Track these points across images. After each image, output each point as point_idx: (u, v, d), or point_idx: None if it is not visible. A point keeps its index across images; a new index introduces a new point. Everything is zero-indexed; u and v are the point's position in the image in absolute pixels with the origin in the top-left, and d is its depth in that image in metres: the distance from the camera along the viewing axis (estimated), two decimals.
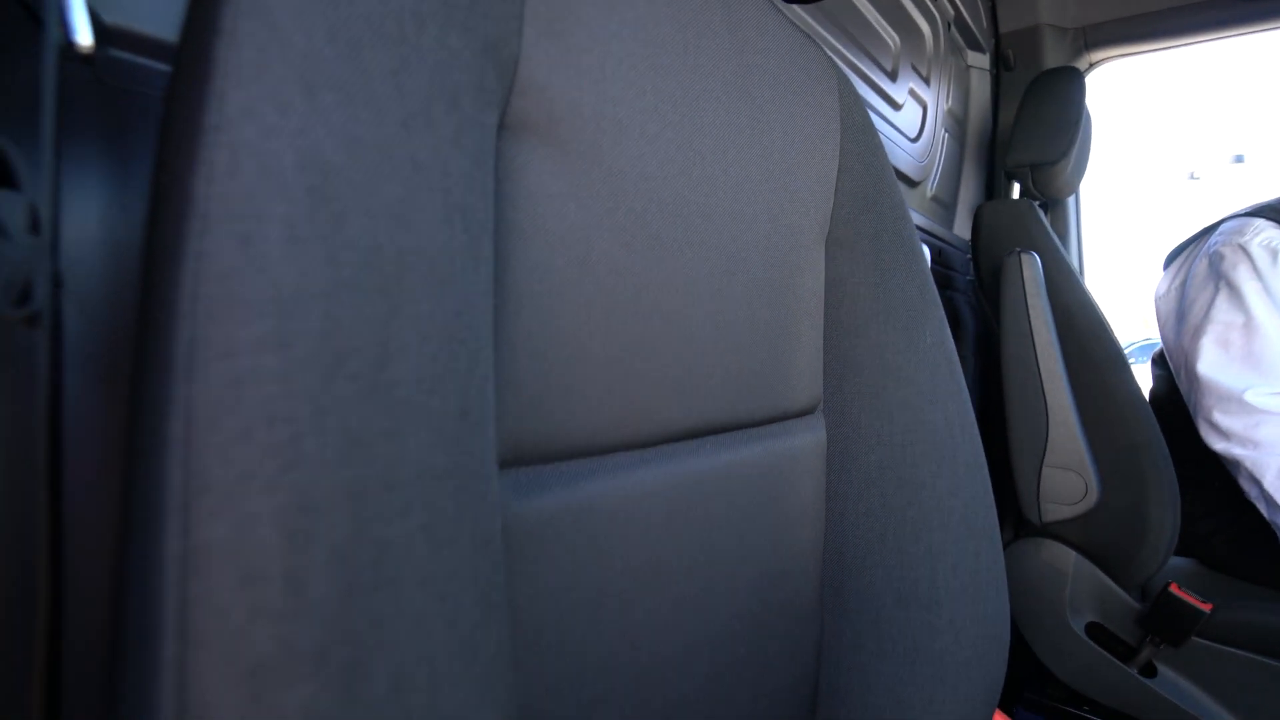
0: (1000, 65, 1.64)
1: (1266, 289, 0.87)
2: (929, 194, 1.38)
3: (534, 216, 0.26)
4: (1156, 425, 0.91)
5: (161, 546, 0.16)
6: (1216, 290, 0.90)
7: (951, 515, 0.45)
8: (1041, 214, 1.11)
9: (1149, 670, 0.91)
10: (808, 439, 0.44)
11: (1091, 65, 1.67)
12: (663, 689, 0.33)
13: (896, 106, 1.17)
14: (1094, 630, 0.96)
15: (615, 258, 0.29)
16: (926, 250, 1.18)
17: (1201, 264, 0.95)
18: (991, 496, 0.48)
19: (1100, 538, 0.93)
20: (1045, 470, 0.92)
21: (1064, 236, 1.66)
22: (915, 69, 1.25)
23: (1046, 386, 0.91)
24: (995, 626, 0.47)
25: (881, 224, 0.47)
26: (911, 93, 1.23)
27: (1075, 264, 1.70)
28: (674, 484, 0.33)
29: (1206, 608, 0.83)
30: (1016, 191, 1.30)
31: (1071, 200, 1.71)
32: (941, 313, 0.48)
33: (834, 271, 0.46)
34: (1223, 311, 0.88)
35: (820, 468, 0.45)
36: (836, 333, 0.46)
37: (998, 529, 0.48)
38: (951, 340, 0.48)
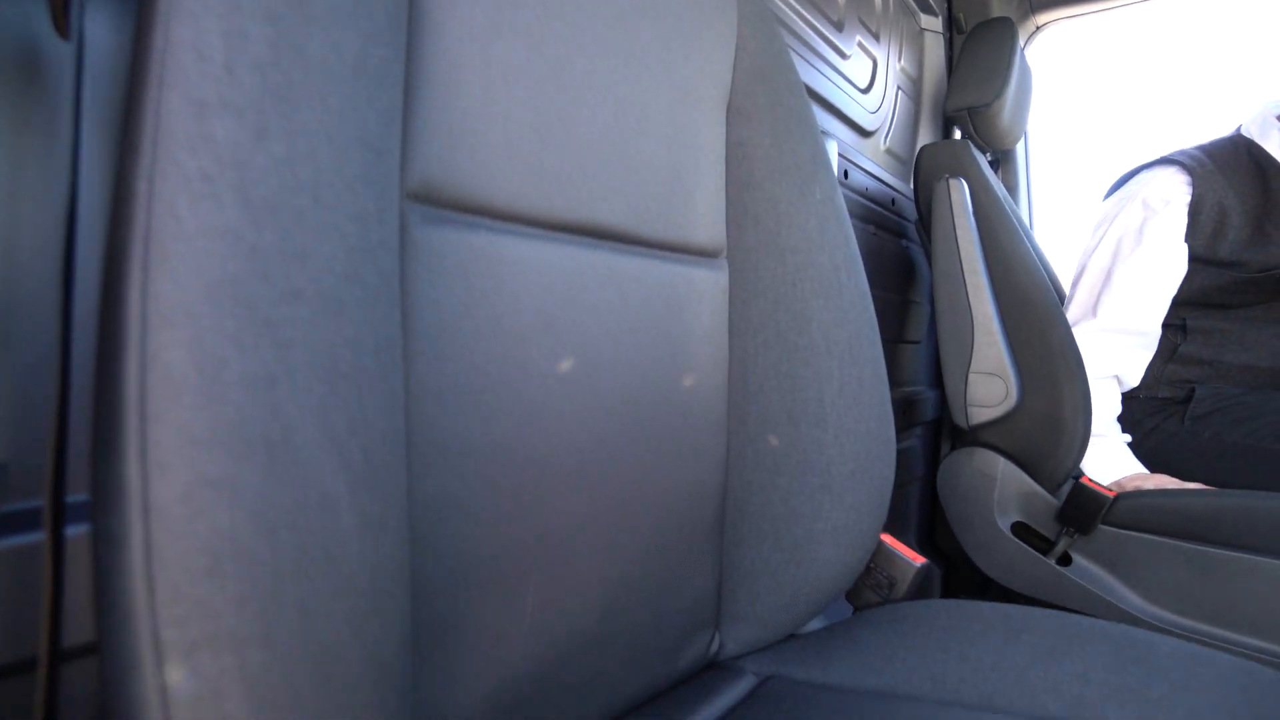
0: (953, 28, 1.72)
1: (1139, 240, 0.98)
2: (883, 147, 1.45)
3: None
4: (1072, 335, 0.99)
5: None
6: (1102, 236, 1.02)
7: (837, 344, 0.52)
8: (977, 152, 1.19)
9: (1065, 560, 0.99)
10: (710, 278, 0.51)
11: (1039, 28, 1.76)
12: (563, 472, 0.39)
13: (844, 55, 1.24)
14: (1018, 529, 1.04)
15: (533, 34, 0.35)
16: (891, 203, 1.25)
17: (1105, 206, 1.06)
18: (877, 333, 0.55)
19: (1021, 440, 1.01)
20: (971, 376, 1.00)
21: (1013, 190, 1.74)
22: (864, 24, 1.32)
23: (971, 298, 0.98)
24: (878, 443, 0.54)
25: (777, 97, 0.54)
26: (860, 45, 1.30)
27: (1025, 216, 1.78)
28: (574, 274, 0.39)
29: (1111, 494, 0.91)
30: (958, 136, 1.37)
31: (1021, 157, 1.80)
32: (833, 176, 0.55)
33: (734, 135, 0.53)
34: (1096, 256, 1.00)
35: (723, 306, 0.52)
36: (737, 188, 0.52)
37: (883, 364, 0.55)
38: (840, 198, 0.55)
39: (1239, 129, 1.08)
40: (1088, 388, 0.97)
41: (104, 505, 0.18)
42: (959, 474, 1.10)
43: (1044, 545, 1.01)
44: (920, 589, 0.54)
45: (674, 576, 0.48)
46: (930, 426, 1.53)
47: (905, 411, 1.34)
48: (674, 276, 0.47)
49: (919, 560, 0.54)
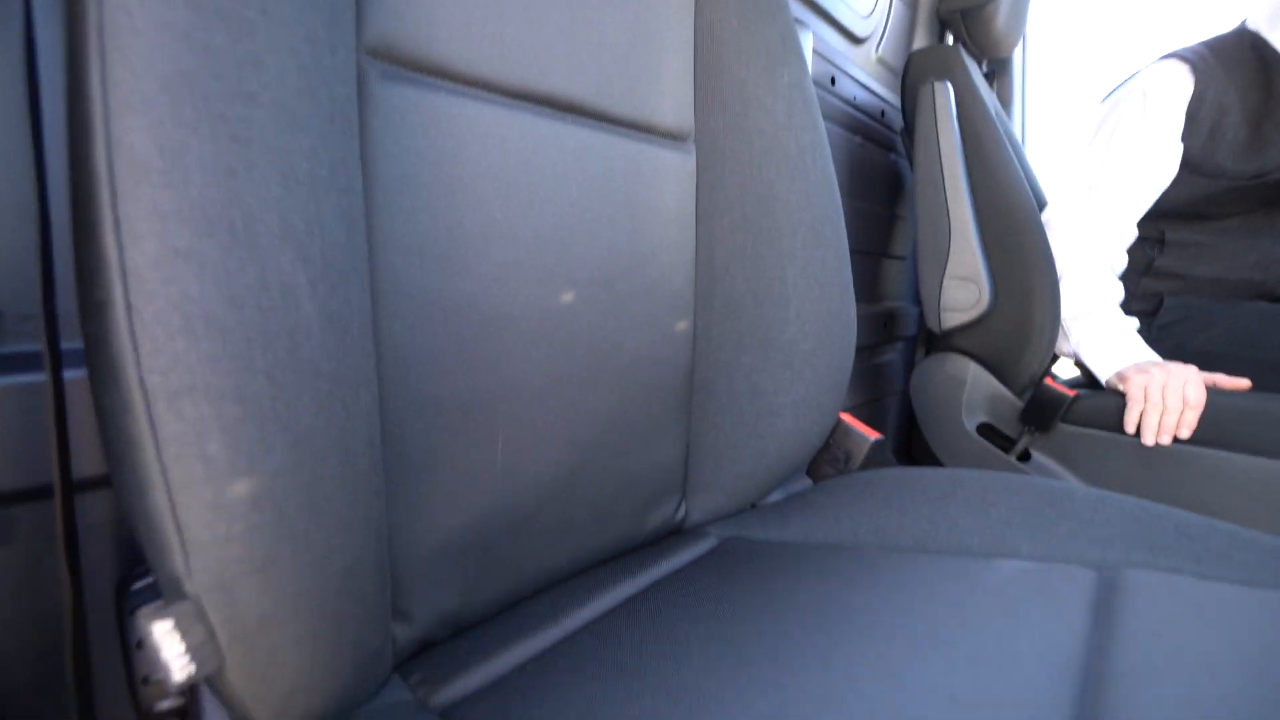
0: None
1: (1136, 130, 0.97)
2: (875, 55, 1.41)
3: None
4: (1047, 240, 1.01)
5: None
6: (1099, 127, 1.01)
7: (800, 225, 0.54)
8: (969, 59, 1.16)
9: (1025, 457, 1.05)
10: (677, 161, 0.52)
11: None
12: (528, 333, 0.41)
13: None
14: (984, 430, 1.09)
15: None
16: (880, 114, 1.23)
17: (1103, 106, 1.04)
18: (841, 216, 0.57)
19: (992, 344, 1.05)
20: (946, 281, 1.02)
21: (1008, 104, 1.71)
22: None
23: (950, 203, 0.99)
24: (838, 323, 0.57)
25: None
26: None
27: (1018, 129, 1.75)
28: (535, 142, 0.41)
29: (1071, 394, 0.96)
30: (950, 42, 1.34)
31: (1018, 68, 1.75)
32: (803, 61, 0.56)
33: (702, 18, 0.52)
34: (1093, 145, 1.00)
35: (690, 190, 0.54)
36: (705, 72, 0.53)
37: (845, 246, 0.57)
38: (810, 84, 0.56)
39: (1243, 23, 1.05)
40: (1058, 296, 1.00)
41: (88, 278, 0.20)
42: (931, 378, 1.14)
43: (1006, 445, 1.06)
44: (874, 462, 0.59)
45: (639, 442, 0.52)
46: (911, 342, 1.57)
47: (887, 325, 1.38)
48: (639, 155, 0.49)
49: (874, 435, 0.58)
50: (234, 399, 0.21)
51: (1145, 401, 0.88)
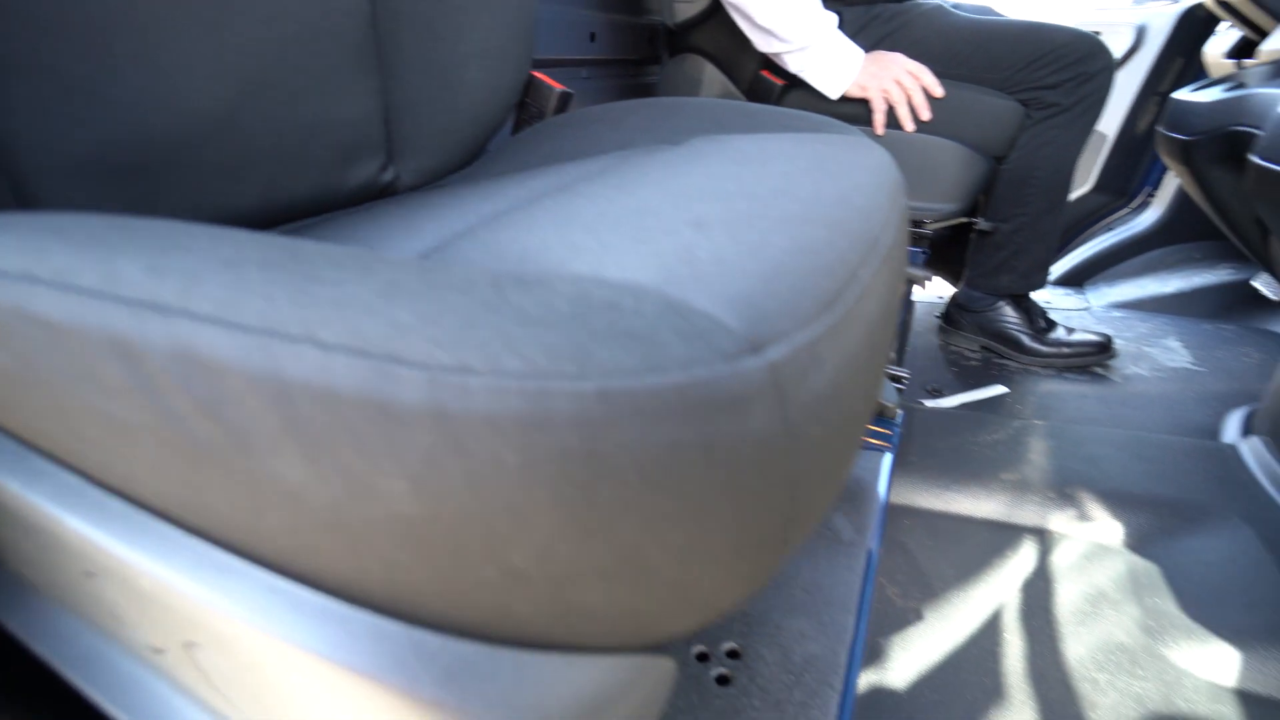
0: None
1: None
2: None
3: None
4: None
5: None
6: None
7: None
8: None
9: None
10: None
11: None
12: None
13: None
14: None
15: None
16: None
17: None
18: None
19: (720, 41, 1.12)
20: None
21: None
22: None
23: None
24: None
25: None
26: None
27: None
28: None
29: (780, 82, 1.07)
30: None
31: None
32: None
33: None
34: None
35: None
36: None
37: None
38: None
39: None
40: None
41: None
42: (672, 80, 1.21)
43: None
44: (562, 110, 0.65)
45: (317, 89, 0.52)
46: None
47: (651, 41, 1.38)
48: None
49: (559, 87, 0.63)
50: None
51: (890, 101, 1.00)
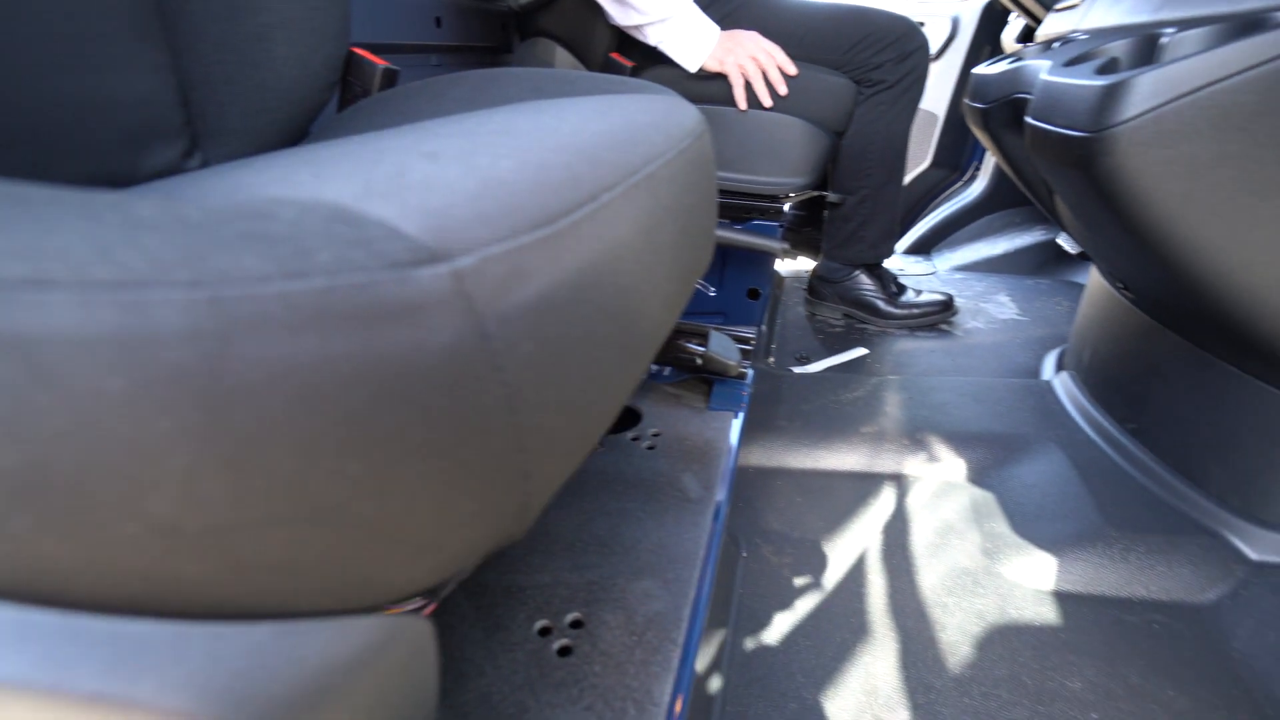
0: None
1: None
2: None
3: None
4: None
5: None
6: None
7: None
8: None
9: None
10: None
11: None
12: None
13: None
14: None
15: None
16: None
17: None
18: None
19: (569, 23, 1.11)
20: None
21: None
22: None
23: None
24: None
25: None
26: None
27: None
28: None
29: (630, 64, 1.08)
30: None
31: None
32: None
33: None
34: None
35: None
36: None
37: None
38: None
39: None
40: None
41: None
42: (524, 64, 1.18)
43: None
44: (387, 87, 0.61)
45: (92, 62, 0.46)
46: None
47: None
48: None
49: (381, 62, 0.60)
50: None
51: (746, 76, 1.04)
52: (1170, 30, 0.57)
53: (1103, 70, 0.55)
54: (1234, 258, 0.52)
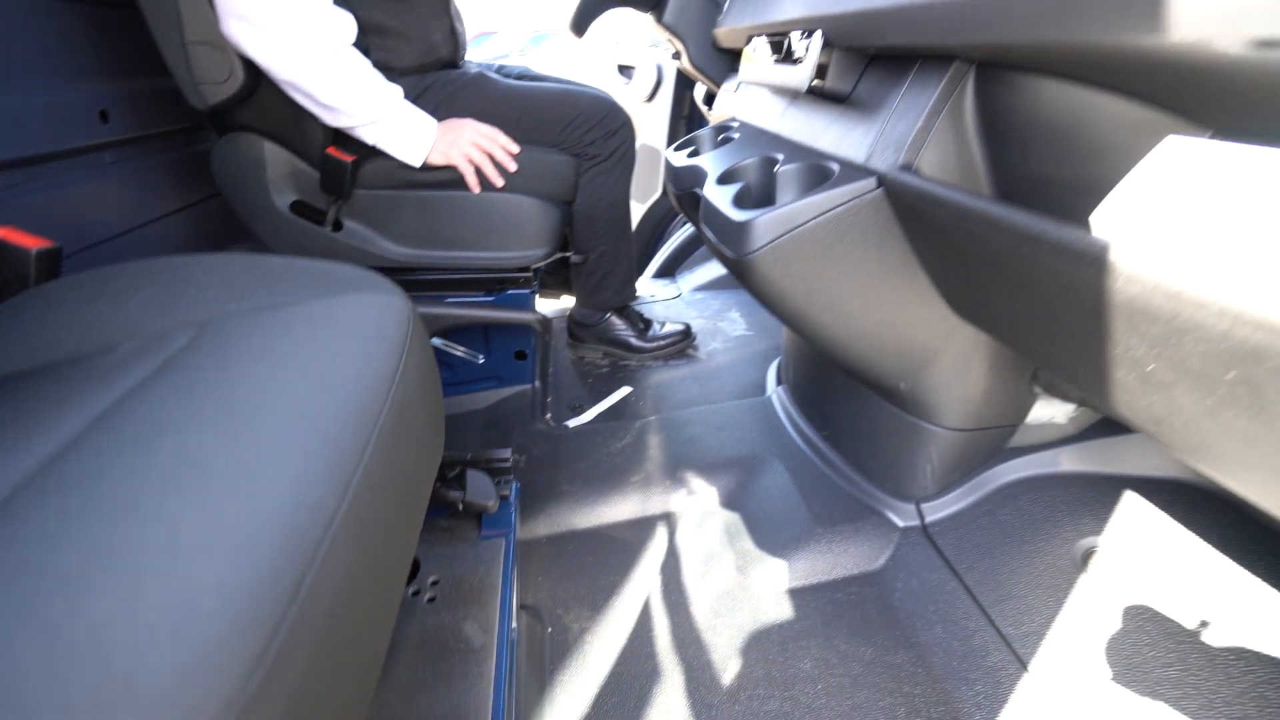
0: None
1: None
2: None
3: None
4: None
5: None
6: None
7: None
8: None
9: (339, 226, 1.16)
10: None
11: None
12: None
13: None
14: (297, 206, 1.14)
15: None
16: None
17: None
18: None
19: (274, 118, 1.05)
20: (190, 47, 0.93)
21: None
22: None
23: None
24: None
25: None
26: None
27: None
28: None
29: (350, 159, 1.07)
30: None
31: None
32: None
33: None
34: None
35: None
36: None
37: None
38: None
39: None
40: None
41: None
42: (229, 163, 1.10)
43: (320, 216, 1.14)
44: (50, 272, 0.55)
45: None
46: None
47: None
48: None
49: (35, 244, 0.53)
50: None
51: (474, 163, 1.10)
52: (780, 158, 0.75)
53: (739, 199, 0.71)
54: (843, 333, 0.72)
